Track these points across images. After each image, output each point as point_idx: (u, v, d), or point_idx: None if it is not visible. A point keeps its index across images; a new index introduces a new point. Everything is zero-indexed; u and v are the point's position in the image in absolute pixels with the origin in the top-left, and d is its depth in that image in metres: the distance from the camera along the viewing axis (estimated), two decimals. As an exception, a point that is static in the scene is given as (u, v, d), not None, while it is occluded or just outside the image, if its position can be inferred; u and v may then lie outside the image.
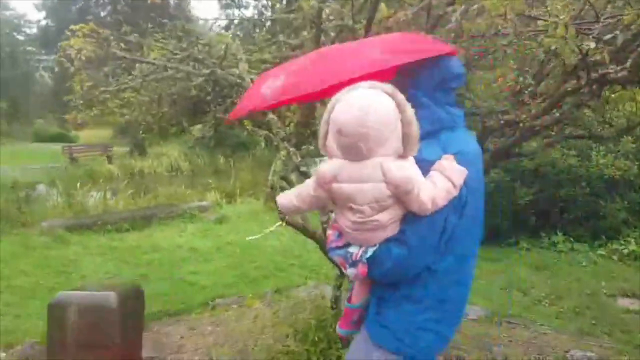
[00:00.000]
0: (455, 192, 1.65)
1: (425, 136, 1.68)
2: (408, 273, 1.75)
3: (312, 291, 6.30)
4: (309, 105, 4.03)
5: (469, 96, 3.46)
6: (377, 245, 1.72)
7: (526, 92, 3.18)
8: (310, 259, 7.77)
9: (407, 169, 1.62)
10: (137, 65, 4.05)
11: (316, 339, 4.02)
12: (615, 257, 7.33)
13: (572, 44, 2.23)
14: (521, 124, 3.02)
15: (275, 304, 6.03)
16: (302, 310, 5.46)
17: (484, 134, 3.52)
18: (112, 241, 9.38)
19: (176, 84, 4.37)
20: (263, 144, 24.20)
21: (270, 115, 3.51)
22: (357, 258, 1.75)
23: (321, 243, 3.91)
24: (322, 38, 3.96)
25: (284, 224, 3.43)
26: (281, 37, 4.49)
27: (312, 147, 4.39)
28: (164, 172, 23.54)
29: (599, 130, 4.10)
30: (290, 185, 4.27)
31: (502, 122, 3.32)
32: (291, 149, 3.42)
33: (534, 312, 5.64)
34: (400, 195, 1.62)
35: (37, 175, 19.12)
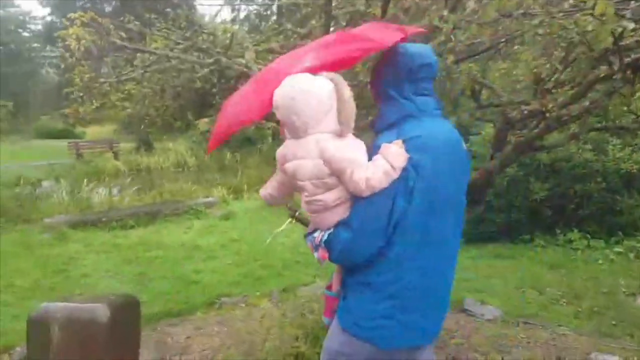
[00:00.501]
0: (394, 175, 1.67)
1: (389, 127, 1.80)
2: (357, 257, 1.77)
3: (321, 290, 6.13)
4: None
5: (488, 85, 3.26)
6: (332, 229, 1.78)
7: (552, 79, 2.98)
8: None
9: (341, 148, 1.69)
10: (138, 55, 3.88)
11: (326, 341, 3.84)
12: (632, 255, 7.11)
13: (610, 25, 2.03)
14: (547, 114, 2.81)
15: (282, 304, 5.87)
16: (311, 310, 5.29)
17: (505, 125, 3.33)
18: (115, 238, 9.25)
19: (180, 75, 4.19)
20: (270, 139, 24.14)
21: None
22: (318, 242, 1.82)
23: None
24: (332, 28, 3.77)
25: (293, 221, 3.24)
26: (289, 26, 4.30)
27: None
28: (170, 167, 23.43)
29: (623, 121, 3.90)
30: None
31: (525, 112, 3.12)
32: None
33: (552, 311, 5.44)
34: (336, 173, 1.69)
35: (42, 171, 19.04)
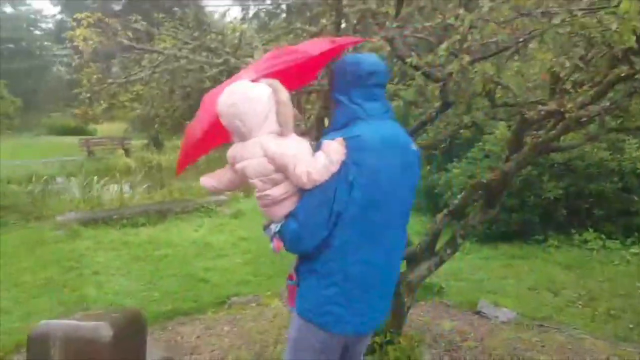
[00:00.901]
0: (333, 168, 1.84)
1: (340, 127, 1.98)
2: (305, 246, 1.94)
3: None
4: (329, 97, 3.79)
5: (504, 85, 3.17)
6: (283, 221, 1.98)
7: (571, 79, 2.89)
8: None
9: (283, 146, 1.87)
10: (146, 55, 3.83)
11: (339, 344, 3.78)
12: (648, 256, 6.98)
13: (635, 23, 1.94)
14: (566, 115, 2.72)
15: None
16: (323, 312, 5.25)
17: (522, 126, 3.24)
18: (126, 236, 9.25)
19: (188, 75, 4.14)
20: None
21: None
22: (273, 233, 2.02)
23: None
24: (343, 24, 3.70)
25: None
26: (298, 25, 4.23)
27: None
28: (180, 165, 23.43)
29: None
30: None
31: (542, 113, 3.03)
32: (311, 143, 3.17)
33: (567, 314, 5.34)
34: (280, 169, 1.87)
35: (54, 168, 19.17)
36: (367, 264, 1.96)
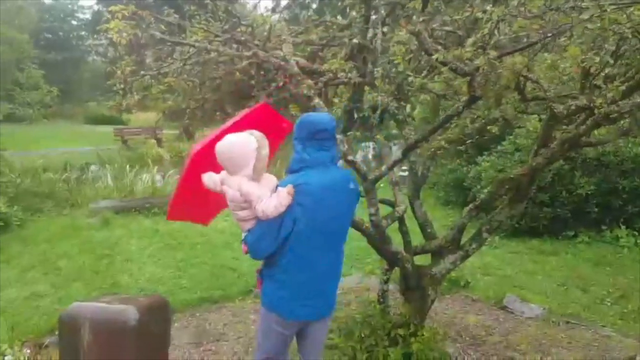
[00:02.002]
0: (282, 209, 2.47)
1: (293, 172, 2.60)
2: (258, 254, 2.62)
3: (357, 283, 6.12)
4: (357, 89, 3.80)
5: (534, 79, 3.13)
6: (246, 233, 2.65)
7: (602, 74, 2.84)
8: (356, 248, 7.56)
9: (252, 187, 2.51)
10: (177, 48, 3.91)
11: (362, 335, 3.83)
12: (682, 254, 6.81)
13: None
14: (596, 110, 2.69)
15: (318, 295, 5.88)
16: (346, 303, 5.29)
17: (552, 120, 3.20)
18: (157, 224, 9.44)
19: (219, 68, 4.20)
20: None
21: (316, 100, 3.28)
22: (242, 239, 2.69)
23: (368, 235, 3.71)
24: (373, 17, 3.71)
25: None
26: (328, 17, 4.25)
27: (358, 133, 4.16)
28: (210, 155, 23.73)
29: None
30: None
31: (572, 108, 2.99)
32: (338, 137, 3.20)
33: (595, 311, 5.27)
34: (246, 202, 2.53)
35: (88, 156, 19.60)
36: (311, 275, 2.64)
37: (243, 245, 2.69)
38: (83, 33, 47.56)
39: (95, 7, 45.42)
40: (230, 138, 2.56)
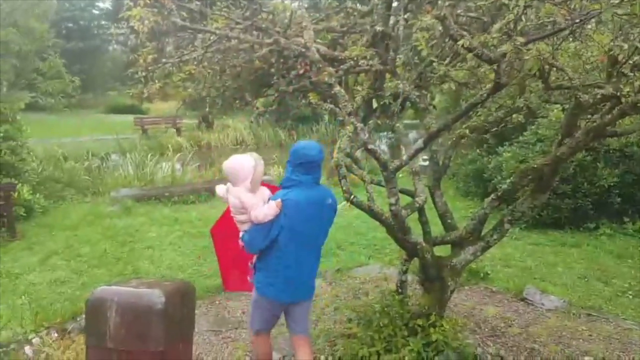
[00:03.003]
0: (270, 217, 3.15)
1: (285, 188, 3.25)
2: (251, 250, 3.32)
3: (375, 273, 6.10)
4: (378, 77, 3.77)
5: (559, 67, 3.07)
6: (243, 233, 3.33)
7: (629, 62, 2.77)
8: (375, 238, 7.55)
9: (249, 197, 3.20)
10: (199, 35, 3.91)
11: (380, 325, 3.82)
12: None
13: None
14: (623, 99, 2.62)
15: (336, 284, 5.88)
16: (365, 293, 5.28)
17: (576, 109, 3.13)
18: (177, 212, 9.53)
19: (239, 55, 4.19)
20: (326, 118, 24.11)
21: (337, 88, 3.26)
22: (240, 236, 3.35)
23: (388, 225, 3.68)
24: (395, 3, 3.66)
25: (349, 204, 3.20)
26: (349, 4, 4.21)
27: (379, 122, 4.13)
28: (229, 144, 23.93)
29: None
30: (356, 163, 4.05)
31: (598, 96, 2.93)
32: (358, 125, 3.18)
33: (617, 304, 5.20)
34: (244, 208, 3.21)
35: (109, 145, 19.83)
36: (294, 269, 3.28)
37: (240, 242, 3.36)
38: (103, 22, 47.88)
39: (116, -4, 45.67)
40: (235, 157, 3.37)
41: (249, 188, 3.20)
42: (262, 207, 3.18)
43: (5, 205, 8.00)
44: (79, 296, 5.61)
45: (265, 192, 3.34)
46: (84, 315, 4.86)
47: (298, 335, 3.54)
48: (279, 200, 3.15)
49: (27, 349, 4.29)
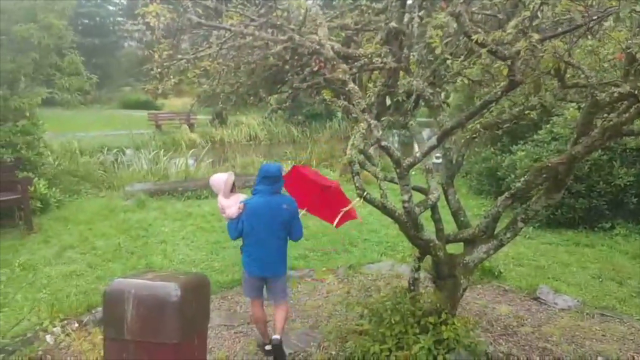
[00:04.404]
0: (235, 215, 4.31)
1: (253, 194, 4.37)
2: (231, 237, 4.44)
3: (387, 270, 6.11)
4: (392, 75, 3.76)
5: (576, 65, 3.04)
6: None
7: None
8: (387, 235, 7.56)
9: (223, 201, 4.71)
10: (214, 32, 3.93)
11: (392, 322, 3.83)
12: None
13: None
14: (640, 98, 2.60)
15: (348, 280, 5.90)
16: (376, 290, 5.29)
17: (593, 108, 3.10)
18: (190, 207, 9.60)
19: (254, 52, 4.20)
20: (340, 115, 24.09)
21: (351, 85, 3.26)
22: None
23: (400, 222, 3.68)
24: (409, 1, 3.65)
25: (362, 200, 3.20)
26: (363, 1, 4.21)
27: (392, 120, 4.13)
28: (242, 140, 24.04)
29: None
30: (369, 159, 4.05)
31: (615, 95, 2.90)
32: (372, 122, 3.18)
33: (631, 305, 5.15)
34: (222, 210, 4.73)
35: (124, 140, 19.99)
36: (256, 251, 4.33)
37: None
38: (119, 18, 48.23)
39: (131, -8, 45.94)
40: (215, 175, 5.05)
41: (225, 194, 4.76)
42: (232, 208, 4.44)
43: (22, 199, 8.11)
44: (94, 289, 5.68)
45: (238, 197, 4.68)
46: (99, 308, 4.99)
47: (275, 304, 4.48)
48: (242, 204, 4.34)
49: (49, 338, 4.37)
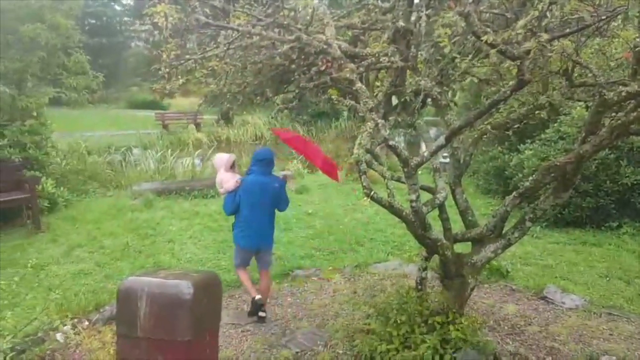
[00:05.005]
0: (231, 188, 4.94)
1: (248, 174, 5.01)
2: (226, 211, 5.05)
3: (394, 269, 6.11)
4: (399, 74, 3.76)
5: (584, 64, 3.03)
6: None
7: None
8: (394, 234, 7.55)
9: (223, 175, 5.13)
10: (222, 32, 3.94)
11: (398, 321, 3.83)
12: None
13: None
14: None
15: (354, 280, 5.91)
16: (383, 290, 5.30)
17: (601, 107, 3.10)
18: (197, 206, 9.63)
19: (261, 52, 4.22)
20: (346, 114, 24.10)
21: (358, 84, 3.27)
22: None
23: (408, 222, 3.69)
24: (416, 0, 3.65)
25: (368, 200, 3.20)
26: (370, 0, 4.21)
27: (400, 119, 4.13)
28: (248, 140, 24.09)
29: None
30: (376, 159, 4.05)
31: (623, 94, 2.89)
32: (379, 121, 3.18)
33: (639, 304, 5.12)
34: (220, 183, 5.13)
35: (131, 140, 20.06)
36: (247, 225, 4.92)
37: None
38: (126, 18, 48.39)
39: (138, -8, 46.09)
40: (218, 154, 5.56)
41: (226, 169, 5.17)
42: (230, 181, 4.99)
43: (30, 198, 8.16)
44: (102, 288, 5.72)
45: (237, 175, 5.15)
46: (107, 307, 5.02)
47: (262, 270, 5.16)
48: (239, 179, 4.98)
49: (59, 336, 4.40)
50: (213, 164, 5.50)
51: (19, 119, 9.53)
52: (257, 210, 4.88)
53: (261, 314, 4.98)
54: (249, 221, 4.90)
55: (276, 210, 5.09)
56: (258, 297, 4.99)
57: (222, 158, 5.31)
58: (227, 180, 5.01)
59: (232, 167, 5.25)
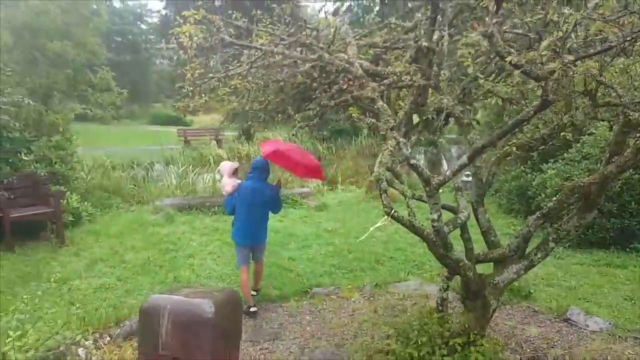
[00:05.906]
0: (230, 191, 5.82)
1: (247, 179, 5.82)
2: (228, 210, 6.05)
3: (415, 289, 6.05)
4: (421, 92, 3.77)
5: (608, 84, 3.00)
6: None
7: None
8: (414, 253, 7.49)
9: (227, 180, 5.90)
10: (245, 51, 4.01)
11: (419, 342, 3.78)
12: None
13: None
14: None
15: (374, 299, 5.86)
16: (404, 310, 5.24)
17: (625, 127, 3.06)
18: (217, 222, 9.67)
19: (283, 70, 4.27)
20: (365, 132, 24.13)
21: (380, 103, 3.28)
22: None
23: (429, 241, 3.66)
24: (439, 18, 3.67)
25: (389, 219, 3.19)
26: (393, 19, 4.24)
27: (421, 138, 4.12)
28: (268, 156, 24.13)
29: None
30: (397, 177, 4.04)
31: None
32: (401, 140, 3.18)
33: (667, 329, 4.97)
34: (223, 188, 5.99)
35: (153, 155, 20.29)
36: (242, 224, 5.72)
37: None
38: (151, 37, 49.40)
39: (163, 12, 47.13)
40: (224, 162, 6.24)
41: (229, 175, 5.86)
42: (229, 186, 5.75)
43: (55, 212, 8.31)
44: (123, 302, 5.76)
45: (237, 180, 5.84)
46: (127, 322, 5.05)
47: (256, 261, 5.96)
48: (237, 184, 5.74)
49: (81, 351, 4.43)
50: (220, 169, 6.18)
51: (46, 134, 9.74)
52: (251, 211, 5.66)
53: (252, 309, 5.59)
54: (244, 221, 5.71)
55: (278, 211, 6.05)
56: (254, 309, 5.60)
57: (226, 165, 6.08)
58: (228, 184, 5.82)
59: (234, 173, 5.97)
